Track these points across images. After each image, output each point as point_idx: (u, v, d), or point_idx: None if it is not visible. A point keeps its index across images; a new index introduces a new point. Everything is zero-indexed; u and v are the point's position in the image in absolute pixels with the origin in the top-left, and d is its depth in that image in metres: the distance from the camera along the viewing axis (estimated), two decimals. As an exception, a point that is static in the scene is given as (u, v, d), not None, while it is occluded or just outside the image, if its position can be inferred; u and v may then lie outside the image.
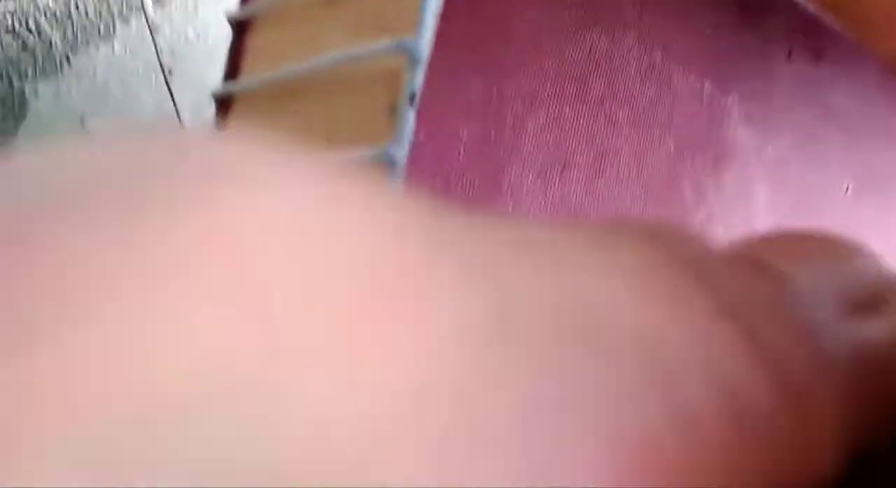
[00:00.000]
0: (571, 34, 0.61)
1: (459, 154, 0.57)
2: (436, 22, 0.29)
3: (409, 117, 0.27)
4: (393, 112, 0.28)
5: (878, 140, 0.96)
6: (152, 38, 0.56)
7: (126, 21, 0.79)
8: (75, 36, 0.80)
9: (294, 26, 0.38)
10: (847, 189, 0.91)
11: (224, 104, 0.43)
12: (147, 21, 0.57)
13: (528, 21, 0.58)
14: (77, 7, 0.78)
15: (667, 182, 0.70)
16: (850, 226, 0.95)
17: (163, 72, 0.52)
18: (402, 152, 0.28)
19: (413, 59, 0.27)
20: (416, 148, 0.56)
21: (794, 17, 0.79)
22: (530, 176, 0.59)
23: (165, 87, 0.87)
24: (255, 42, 0.42)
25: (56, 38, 0.79)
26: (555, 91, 0.60)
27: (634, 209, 0.68)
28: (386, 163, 0.27)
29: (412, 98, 0.27)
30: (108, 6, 0.79)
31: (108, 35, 0.81)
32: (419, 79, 0.27)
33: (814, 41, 0.83)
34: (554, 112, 0.60)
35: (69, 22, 0.79)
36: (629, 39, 0.65)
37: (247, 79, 0.42)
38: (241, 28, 0.43)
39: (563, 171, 0.61)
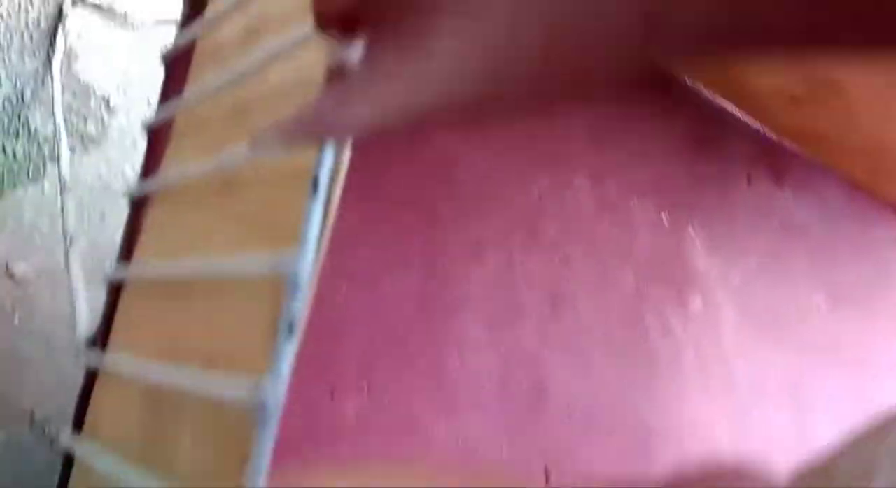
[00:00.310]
0: (518, 177, 0.58)
1: (399, 309, 0.53)
2: (323, 239, 0.24)
3: (287, 352, 0.23)
4: (272, 337, 0.23)
5: (845, 254, 0.94)
6: (62, 201, 0.52)
7: (57, 161, 0.75)
8: (1, 180, 0.76)
9: (188, 212, 0.34)
10: (820, 305, 0.88)
11: (115, 288, 0.39)
12: (60, 178, 0.53)
13: (472, 166, 0.55)
14: (4, 150, 0.75)
15: (630, 320, 0.66)
16: (830, 341, 0.91)
17: (65, 240, 0.48)
18: (275, 397, 0.23)
19: (292, 284, 0.23)
20: (347, 305, 0.52)
21: (752, 141, 0.78)
22: (479, 327, 0.55)
23: (98, 226, 0.83)
24: (151, 222, 0.38)
25: (-20, 182, 0.75)
26: (503, 237, 0.57)
27: (595, 353, 0.63)
28: (259, 409, 0.22)
29: (290, 328, 0.23)
30: (39, 147, 0.76)
31: (38, 176, 0.77)
32: (300, 306, 0.23)
33: (774, 163, 0.82)
34: (502, 259, 0.57)
35: (-4, 165, 0.75)
36: (580, 177, 0.62)
37: (136, 266, 0.37)
38: (138, 205, 0.39)
39: (515, 320, 0.57)
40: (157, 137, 0.40)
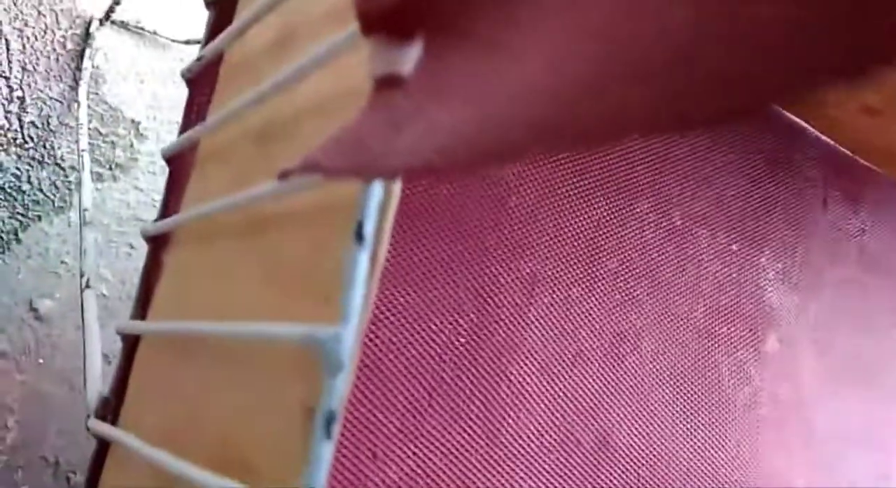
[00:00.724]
0: (575, 206, 0.52)
1: (449, 353, 0.47)
2: (369, 301, 0.19)
3: (324, 454, 0.17)
4: (307, 429, 0.18)
5: (927, 284, 0.86)
6: (82, 239, 0.48)
7: (79, 191, 0.72)
8: (26, 211, 0.73)
9: (211, 253, 0.29)
10: (903, 345, 0.80)
11: (132, 339, 0.34)
12: (81, 216, 0.49)
13: (525, 197, 0.50)
14: (29, 180, 0.72)
15: (699, 362, 0.59)
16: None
17: (81, 279, 0.44)
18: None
19: (332, 364, 0.18)
20: (391, 352, 0.47)
21: (825, 160, 0.71)
22: (535, 375, 0.49)
23: (126, 259, 0.79)
24: (171, 263, 0.33)
25: (3, 215, 0.72)
26: (559, 271, 0.51)
27: (662, 400, 0.57)
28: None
29: (329, 422, 0.17)
30: (65, 176, 0.73)
31: (64, 207, 0.74)
32: (340, 391, 0.18)
33: (850, 186, 0.75)
34: (560, 295, 0.51)
35: (20, 196, 0.72)
36: (642, 205, 0.56)
37: (153, 318, 0.32)
38: (157, 243, 0.35)
39: (574, 363, 0.51)
40: (179, 166, 0.36)
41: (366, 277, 0.19)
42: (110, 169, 0.75)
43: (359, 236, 0.19)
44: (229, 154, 0.30)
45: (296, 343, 0.20)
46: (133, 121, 0.75)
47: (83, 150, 0.62)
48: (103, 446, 0.33)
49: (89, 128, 0.70)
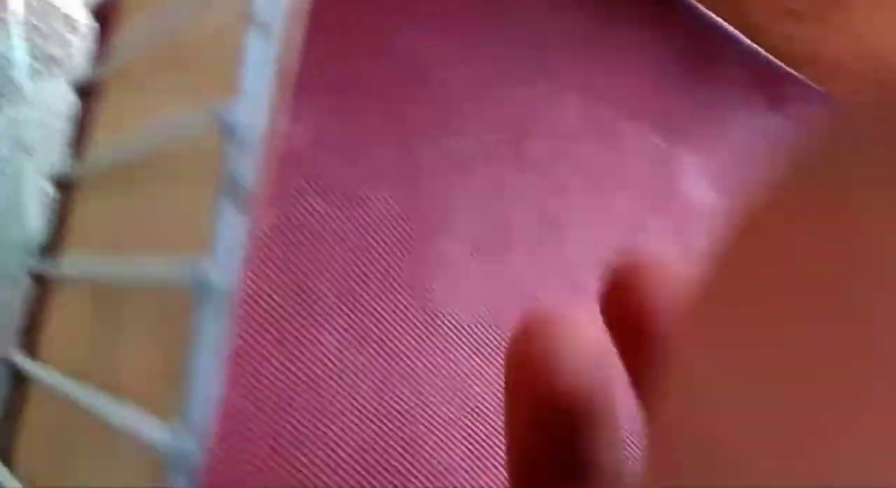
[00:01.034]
0: (502, 89, 0.54)
1: (373, 226, 0.50)
2: (271, 85, 0.21)
3: (232, 218, 0.20)
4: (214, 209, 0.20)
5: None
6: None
7: (12, 81, 0.71)
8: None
9: (138, 97, 0.31)
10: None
11: (65, 186, 0.35)
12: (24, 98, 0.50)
13: (449, 71, 0.51)
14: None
15: (622, 252, 0.62)
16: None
17: (20, 161, 0.45)
18: (222, 274, 0.19)
19: (232, 135, 0.20)
20: (313, 218, 0.49)
21: (747, 64, 0.74)
22: (464, 249, 0.52)
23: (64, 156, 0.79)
24: (100, 114, 0.34)
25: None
26: (488, 152, 0.53)
27: (586, 282, 0.60)
28: (198, 286, 0.19)
29: (236, 192, 0.20)
30: (1, 70, 0.72)
31: (0, 101, 0.73)
32: (247, 165, 0.20)
33: (770, 87, 0.78)
34: (489, 176, 0.53)
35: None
36: (570, 94, 0.58)
37: (85, 163, 0.34)
38: (87, 93, 0.36)
39: (503, 242, 0.54)
40: (106, 20, 0.37)
41: (267, 57, 0.21)
42: (46, 64, 0.74)
43: (253, 20, 0.21)
44: (154, 1, 0.32)
45: (201, 128, 0.22)
46: (67, 15, 0.74)
47: (19, 41, 0.62)
48: (38, 295, 0.35)
49: (23, 22, 0.69)
